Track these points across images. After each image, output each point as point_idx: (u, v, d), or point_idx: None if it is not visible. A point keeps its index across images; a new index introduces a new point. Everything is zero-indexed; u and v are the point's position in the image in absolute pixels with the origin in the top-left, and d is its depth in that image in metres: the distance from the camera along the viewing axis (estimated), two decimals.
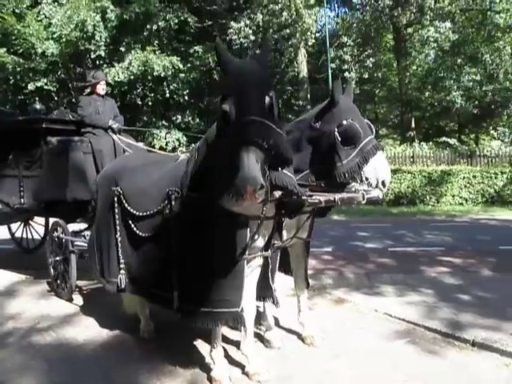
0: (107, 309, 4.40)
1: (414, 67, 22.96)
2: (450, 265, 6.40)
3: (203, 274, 2.71)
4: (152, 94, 18.68)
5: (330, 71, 16.22)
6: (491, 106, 21.95)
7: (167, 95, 18.28)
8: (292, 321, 4.02)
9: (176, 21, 17.75)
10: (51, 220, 5.59)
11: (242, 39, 16.19)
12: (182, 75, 18.03)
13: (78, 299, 4.89)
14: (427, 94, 24.91)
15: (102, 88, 5.35)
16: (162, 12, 17.41)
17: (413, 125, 23.46)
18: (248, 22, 16.10)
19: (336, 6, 24.87)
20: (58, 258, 4.83)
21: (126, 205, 3.24)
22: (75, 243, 4.73)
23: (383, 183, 2.91)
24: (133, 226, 3.20)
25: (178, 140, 18.16)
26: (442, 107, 25.54)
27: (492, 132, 21.93)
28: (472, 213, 12.50)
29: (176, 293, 2.83)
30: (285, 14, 15.50)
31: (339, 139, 2.98)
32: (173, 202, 2.85)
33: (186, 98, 18.69)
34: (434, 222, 11.06)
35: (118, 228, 3.31)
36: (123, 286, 3.30)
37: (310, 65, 20.92)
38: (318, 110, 3.25)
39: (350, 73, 18.46)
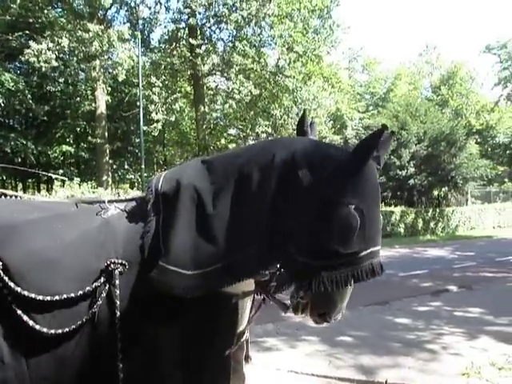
0: None
1: (214, 114, 24.45)
2: None
3: None
4: None
5: (141, 110, 15.62)
6: None
7: None
8: None
9: None
10: None
11: (42, 63, 14.06)
12: None
13: None
14: (223, 140, 26.87)
15: None
16: None
17: None
18: (51, 44, 14.18)
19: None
20: None
21: (13, 285, 1.86)
22: None
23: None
24: (26, 318, 1.85)
25: None
26: None
27: None
28: None
29: None
30: (96, 43, 14.33)
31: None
32: (116, 281, 1.84)
33: None
34: None
35: None
36: None
37: (114, 101, 19.89)
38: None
39: (157, 114, 18.19)
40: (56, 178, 14.82)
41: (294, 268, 1.65)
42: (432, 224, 21.74)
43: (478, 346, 4.68)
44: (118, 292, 1.78)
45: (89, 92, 20.84)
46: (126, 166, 25.46)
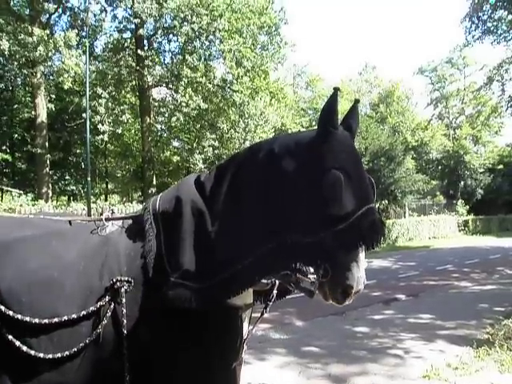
0: None
1: (159, 126, 24.08)
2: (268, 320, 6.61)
3: None
4: None
5: (88, 120, 15.07)
6: None
7: None
8: None
9: None
10: None
11: None
12: None
13: None
14: (168, 153, 26.51)
15: None
16: None
17: (154, 181, 24.02)
18: None
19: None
20: None
21: (3, 308, 1.74)
22: None
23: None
24: (18, 343, 1.73)
25: None
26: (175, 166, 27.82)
27: None
28: None
29: None
30: (40, 48, 13.67)
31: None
32: (123, 299, 1.78)
33: None
34: None
35: None
36: None
37: (55, 110, 19.03)
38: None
39: (103, 125, 17.63)
40: (8, 190, 13.75)
41: (300, 253, 1.65)
42: None
43: (435, 350, 4.97)
44: (124, 310, 1.73)
45: (28, 99, 19.79)
46: (67, 177, 24.33)
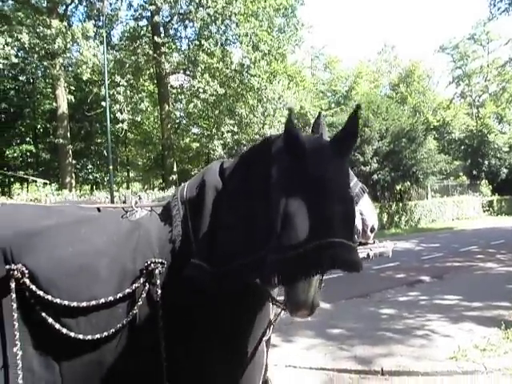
0: None
1: (178, 113, 24.17)
2: None
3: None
4: None
5: (108, 110, 15.20)
6: None
7: None
8: None
9: None
10: None
11: (0, 59, 13.37)
12: None
13: None
14: (187, 140, 26.64)
15: None
16: None
17: (175, 168, 24.19)
18: (10, 39, 13.51)
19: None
20: None
21: (42, 293, 1.81)
22: None
23: (372, 229, 2.68)
24: (58, 325, 1.81)
25: None
26: (194, 153, 27.95)
27: None
28: None
29: None
30: (59, 40, 13.80)
31: None
32: (157, 280, 1.84)
33: None
34: None
35: (15, 336, 1.79)
36: None
37: (76, 100, 19.26)
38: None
39: (122, 113, 17.78)
40: (34, 180, 14.04)
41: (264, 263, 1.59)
42: (396, 218, 22.46)
43: (462, 331, 4.93)
44: (159, 291, 1.79)
45: (49, 90, 20.07)
46: (90, 167, 24.73)
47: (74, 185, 19.97)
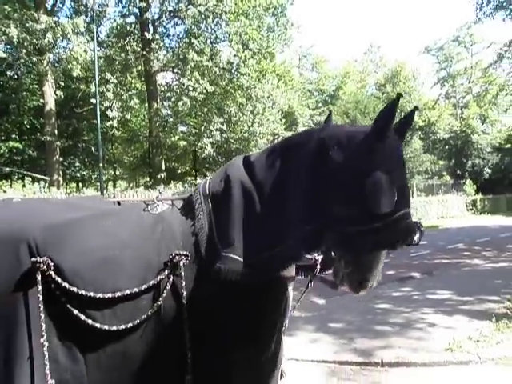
0: None
1: (165, 111, 24.05)
2: None
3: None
4: None
5: (98, 107, 15.09)
6: (232, 153, 24.87)
7: None
8: None
9: None
10: None
11: None
12: None
13: None
14: (176, 137, 26.55)
15: None
16: None
17: (163, 166, 24.10)
18: None
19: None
20: None
21: (67, 285, 1.84)
22: None
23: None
24: (83, 317, 1.85)
25: None
26: (182, 151, 27.89)
27: None
28: None
29: None
30: (49, 36, 13.65)
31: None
32: (182, 272, 1.89)
33: None
34: None
35: (42, 328, 1.83)
36: None
37: (63, 97, 19.04)
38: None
39: (112, 111, 17.66)
40: (32, 176, 13.77)
41: (333, 239, 1.73)
42: None
43: (455, 324, 5.09)
44: (184, 283, 1.84)
45: (35, 87, 19.80)
46: (77, 164, 24.46)
47: (61, 182, 19.76)
